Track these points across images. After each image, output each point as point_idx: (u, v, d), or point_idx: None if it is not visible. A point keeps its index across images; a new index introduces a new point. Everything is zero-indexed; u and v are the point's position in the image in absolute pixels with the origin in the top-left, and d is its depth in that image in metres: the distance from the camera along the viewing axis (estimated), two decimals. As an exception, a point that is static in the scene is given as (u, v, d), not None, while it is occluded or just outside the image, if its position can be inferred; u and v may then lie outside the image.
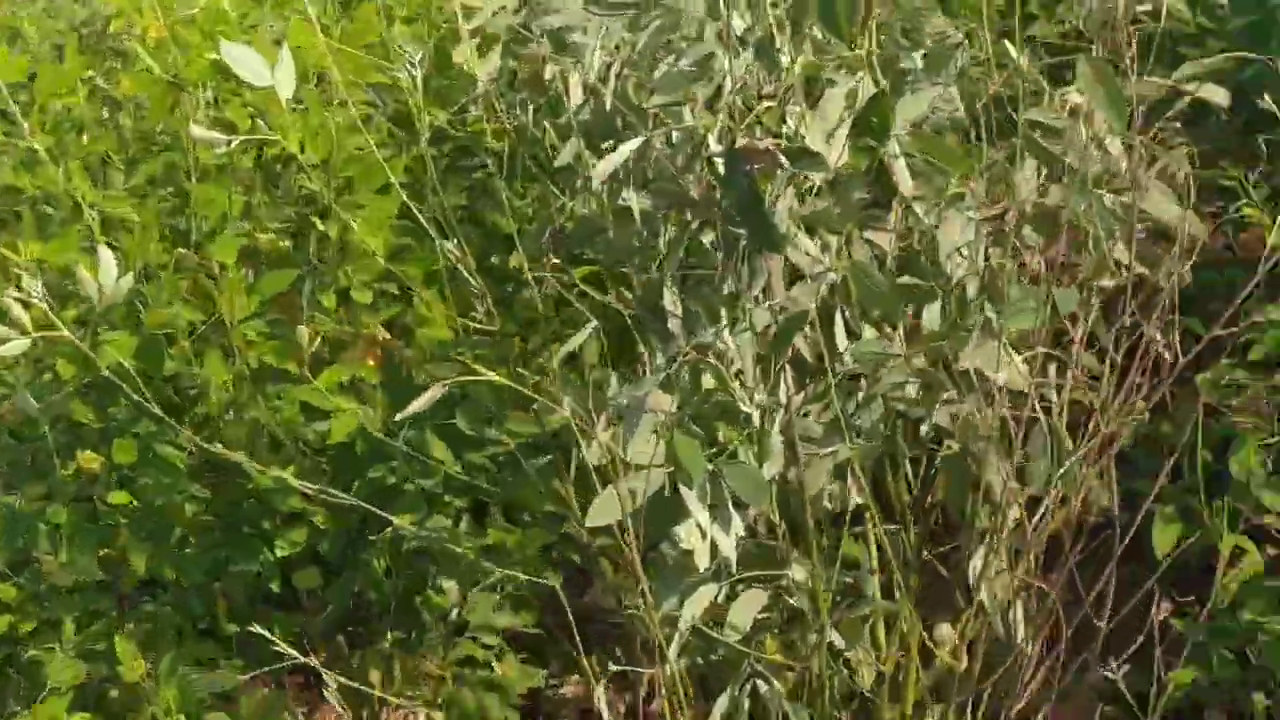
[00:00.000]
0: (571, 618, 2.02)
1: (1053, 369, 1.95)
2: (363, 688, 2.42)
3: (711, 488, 1.77)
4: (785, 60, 1.75)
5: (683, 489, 1.72)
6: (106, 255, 1.81)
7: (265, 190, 2.52)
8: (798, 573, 1.90)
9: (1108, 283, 2.01)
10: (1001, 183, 1.97)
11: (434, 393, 1.57)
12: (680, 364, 1.79)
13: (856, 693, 2.05)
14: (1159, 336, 2.00)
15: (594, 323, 1.66)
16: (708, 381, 1.88)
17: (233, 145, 1.78)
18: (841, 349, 1.82)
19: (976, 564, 1.97)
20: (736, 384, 1.80)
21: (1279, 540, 2.27)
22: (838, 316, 1.81)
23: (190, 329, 2.43)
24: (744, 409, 1.77)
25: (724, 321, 1.82)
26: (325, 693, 2.69)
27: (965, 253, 1.83)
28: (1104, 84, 1.78)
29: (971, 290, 1.88)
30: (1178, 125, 1.96)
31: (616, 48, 2.01)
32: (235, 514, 2.50)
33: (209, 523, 2.50)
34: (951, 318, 1.81)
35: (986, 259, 1.90)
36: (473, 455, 2.31)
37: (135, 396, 2.05)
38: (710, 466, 1.76)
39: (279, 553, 2.39)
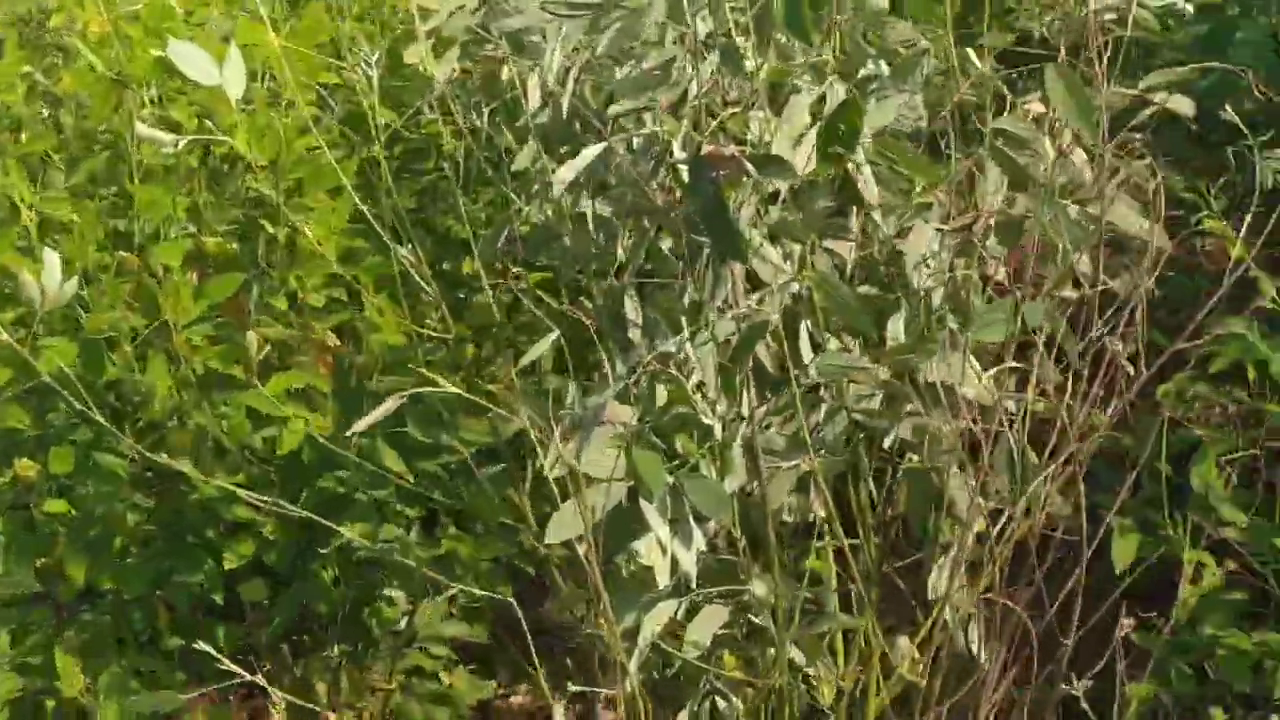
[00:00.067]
0: (527, 631, 1.98)
1: (1011, 381, 1.93)
2: (308, 705, 2.36)
3: (672, 502, 1.73)
4: (751, 65, 1.71)
5: (643, 503, 1.68)
6: (51, 258, 1.74)
7: (211, 191, 2.46)
8: (759, 588, 1.86)
9: (1070, 294, 2.00)
10: (964, 193, 1.95)
11: (390, 405, 1.52)
12: (641, 374, 1.75)
13: (817, 709, 2.02)
14: (1121, 349, 1.98)
15: (555, 333, 1.61)
16: (666, 393, 1.85)
17: (180, 146, 1.72)
18: (806, 360, 1.78)
19: (939, 578, 1.94)
20: (698, 396, 1.76)
21: (1239, 554, 2.25)
22: (803, 327, 1.78)
23: (133, 334, 2.36)
24: (706, 421, 1.72)
25: (686, 331, 1.78)
26: (271, 706, 2.64)
27: (931, 263, 1.80)
28: (1074, 94, 1.76)
29: (936, 301, 1.85)
30: (1142, 136, 1.95)
31: (575, 50, 1.97)
32: (179, 523, 2.43)
33: (151, 532, 2.44)
34: (919, 329, 1.77)
35: (951, 270, 1.88)
36: (425, 464, 2.25)
37: (76, 403, 1.99)
38: (670, 480, 1.72)
39: (225, 565, 2.32)
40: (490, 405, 1.65)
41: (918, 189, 2.00)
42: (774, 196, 1.83)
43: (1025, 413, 1.92)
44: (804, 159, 1.69)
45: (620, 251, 2.05)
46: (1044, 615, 1.98)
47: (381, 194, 1.99)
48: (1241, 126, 2.17)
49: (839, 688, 2.04)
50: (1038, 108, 2.07)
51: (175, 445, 2.36)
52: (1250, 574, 2.27)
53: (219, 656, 1.96)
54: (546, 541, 1.67)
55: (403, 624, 2.57)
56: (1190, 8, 2.05)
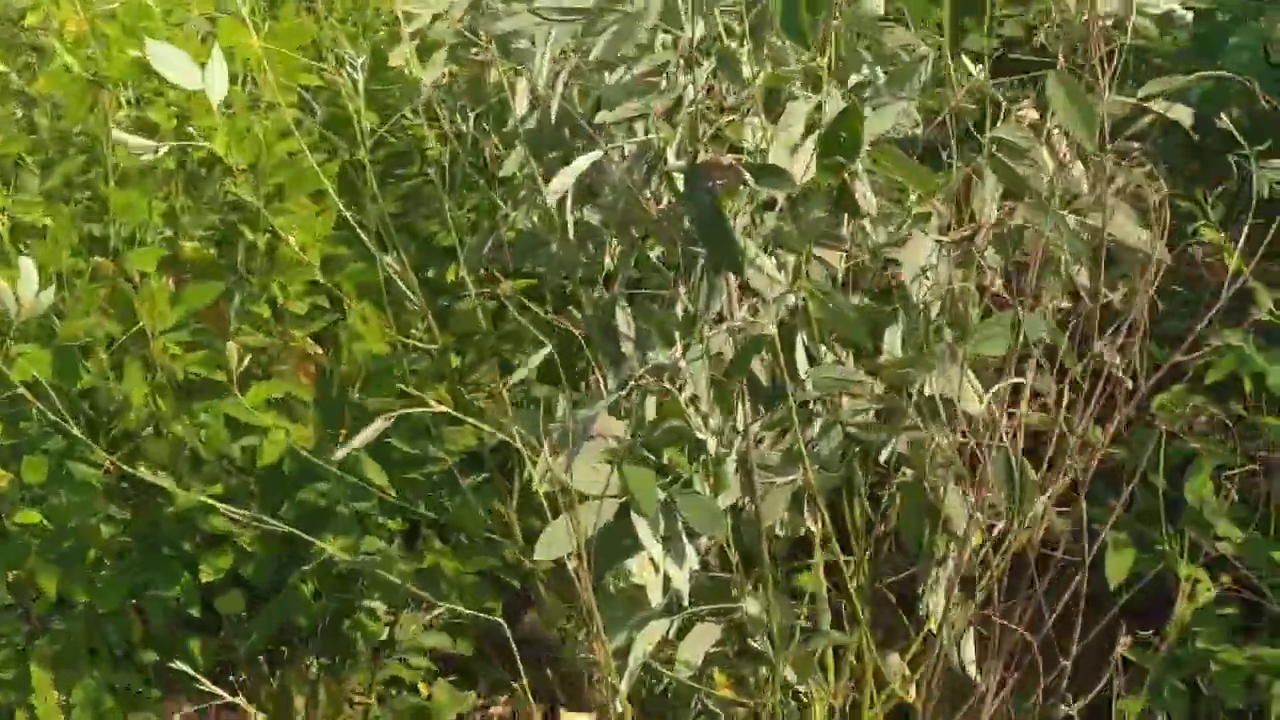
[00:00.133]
0: (514, 648, 1.93)
1: (1007, 394, 1.89)
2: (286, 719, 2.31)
3: (664, 518, 1.69)
4: (748, 72, 1.67)
5: (636, 520, 1.64)
6: (27, 267, 1.69)
7: (189, 195, 2.40)
8: (752, 606, 1.82)
9: (1064, 304, 1.96)
10: (959, 202, 1.91)
11: (378, 426, 1.47)
12: (632, 388, 1.71)
13: (809, 728, 1.98)
14: (1118, 362, 1.95)
15: (547, 348, 1.57)
16: (655, 407, 1.81)
17: (161, 153, 1.67)
18: (803, 373, 1.74)
19: (936, 595, 1.90)
20: (691, 409, 1.72)
21: (1233, 568, 2.22)
22: (799, 340, 1.74)
23: (108, 341, 2.31)
24: (700, 436, 1.68)
25: (679, 344, 1.74)
26: (248, 721, 2.59)
27: (929, 275, 1.76)
28: (1076, 102, 1.72)
29: (933, 313, 1.81)
30: (1144, 146, 1.91)
31: (563, 53, 1.93)
32: (154, 535, 2.38)
33: (126, 544, 2.38)
34: (919, 341, 1.74)
35: (949, 281, 1.84)
36: (409, 474, 2.20)
37: (49, 412, 1.94)
38: (663, 496, 1.68)
39: (203, 578, 2.27)
40: (478, 423, 1.60)
41: (912, 198, 1.97)
42: (767, 205, 1.79)
43: (1021, 427, 1.89)
44: (802, 168, 1.65)
45: (608, 260, 2.02)
46: (1040, 631, 1.95)
47: (367, 200, 1.94)
48: (1237, 135, 2.15)
49: (831, 706, 2.00)
50: (1031, 115, 2.04)
51: (151, 455, 2.31)
52: (1245, 588, 2.24)
53: (197, 676, 1.92)
54: (536, 559, 1.62)
55: (384, 635, 2.52)
56: (1190, 15, 2.02)
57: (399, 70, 2.23)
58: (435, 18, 2.15)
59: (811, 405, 1.84)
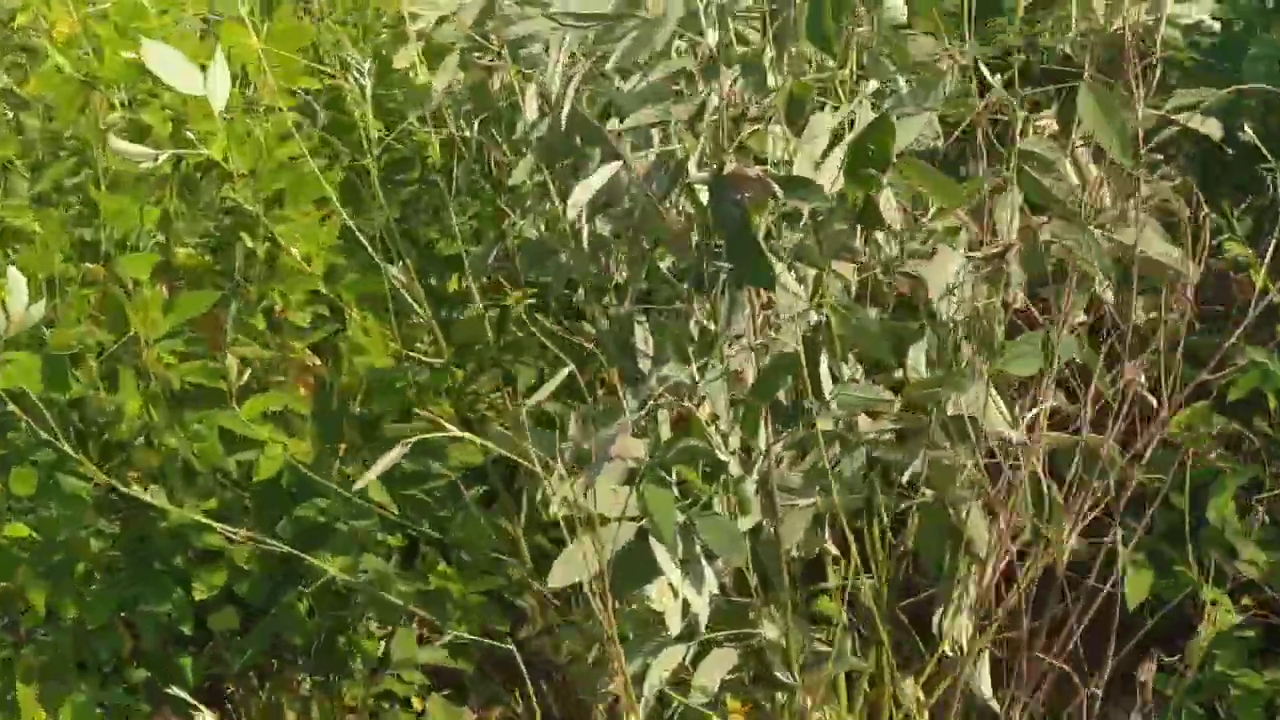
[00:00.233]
0: (524, 670, 1.87)
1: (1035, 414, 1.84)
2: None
3: (683, 541, 1.63)
4: (772, 81, 1.62)
5: (654, 544, 1.58)
6: (17, 278, 1.62)
7: (183, 200, 2.33)
8: (770, 630, 1.76)
9: (1081, 318, 1.92)
10: (982, 215, 1.86)
11: (396, 454, 1.41)
12: (650, 407, 1.65)
13: (824, 755, 1.92)
14: (1143, 381, 1.90)
15: (569, 367, 1.51)
16: (668, 426, 1.75)
17: (160, 160, 1.61)
18: (826, 392, 1.68)
19: (957, 619, 1.85)
20: (711, 429, 1.66)
21: (1255, 590, 2.18)
22: (823, 358, 1.68)
23: (99, 350, 2.23)
24: (721, 457, 1.62)
25: (699, 362, 1.68)
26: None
27: (956, 292, 1.71)
28: (1108, 114, 1.67)
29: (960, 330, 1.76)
30: (1175, 159, 1.87)
31: (572, 58, 1.87)
32: (146, 549, 2.31)
33: (116, 559, 2.31)
34: (948, 360, 1.68)
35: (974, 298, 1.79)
36: (411, 490, 2.14)
37: (35, 425, 1.88)
38: (681, 518, 1.62)
39: (196, 595, 2.20)
40: (490, 444, 1.53)
41: (932, 211, 1.91)
42: (786, 218, 1.73)
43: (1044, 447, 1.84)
44: (829, 180, 1.59)
45: (618, 271, 1.96)
46: (1060, 655, 1.90)
47: (373, 208, 1.87)
48: (1261, 147, 2.10)
49: (847, 732, 1.95)
50: (1051, 127, 1.98)
51: (143, 467, 2.24)
52: (1267, 611, 2.20)
53: (187, 698, 1.85)
54: (550, 584, 1.56)
55: (380, 653, 2.46)
56: (1217, 26, 1.97)
57: (403, 74, 2.16)
58: (441, 19, 2.08)
59: (835, 424, 1.79)
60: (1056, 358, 1.65)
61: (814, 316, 1.71)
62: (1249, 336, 1.97)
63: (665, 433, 1.72)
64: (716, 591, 1.65)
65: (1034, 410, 1.64)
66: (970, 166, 1.92)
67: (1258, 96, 2.35)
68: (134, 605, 2.31)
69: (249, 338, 2.22)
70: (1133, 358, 1.78)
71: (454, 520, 2.19)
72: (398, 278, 1.84)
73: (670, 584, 1.60)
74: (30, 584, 2.29)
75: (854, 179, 1.54)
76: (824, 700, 1.86)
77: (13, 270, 1.67)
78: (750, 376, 1.71)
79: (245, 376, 1.86)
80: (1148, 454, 1.78)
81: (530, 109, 1.92)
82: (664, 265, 1.99)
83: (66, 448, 1.88)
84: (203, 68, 1.74)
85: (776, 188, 1.47)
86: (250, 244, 2.15)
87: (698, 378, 1.68)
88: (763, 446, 1.67)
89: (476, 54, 2.07)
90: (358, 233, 1.87)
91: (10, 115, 2.42)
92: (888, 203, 1.74)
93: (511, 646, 1.71)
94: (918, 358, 1.76)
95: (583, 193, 1.53)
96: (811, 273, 1.80)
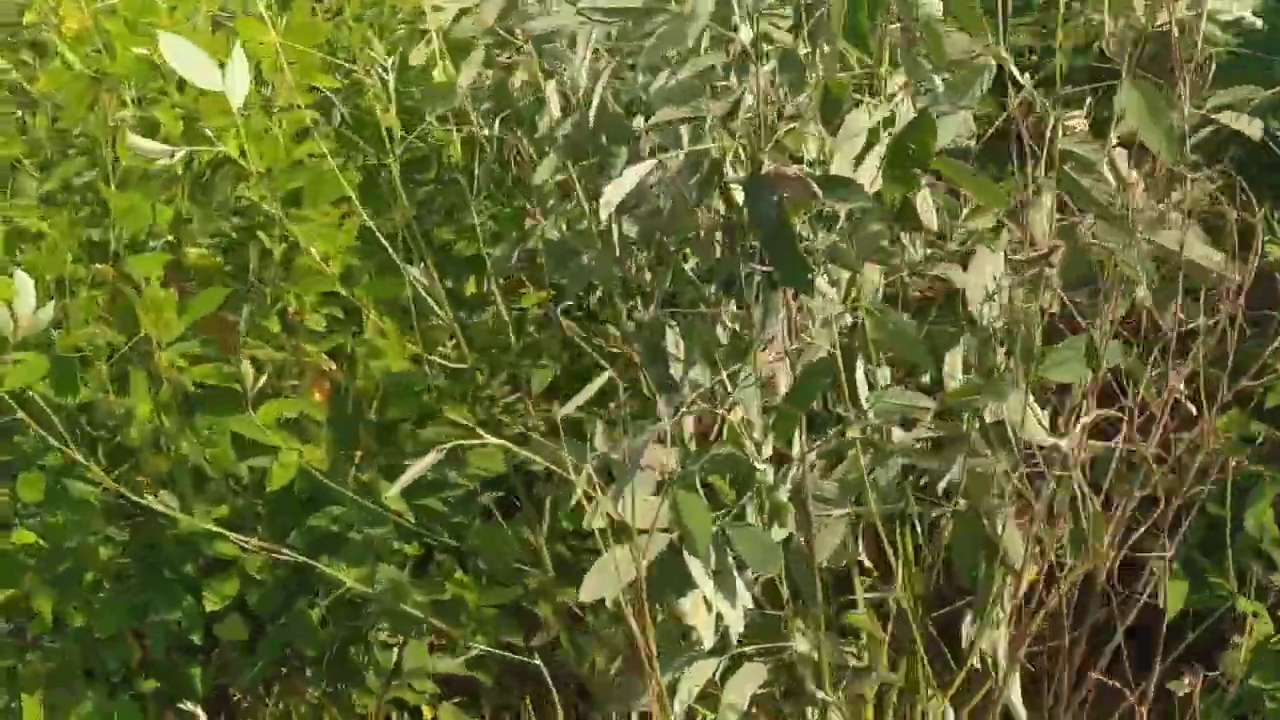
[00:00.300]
0: (549, 681, 1.82)
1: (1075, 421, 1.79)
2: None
3: (715, 553, 1.58)
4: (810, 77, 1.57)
5: (688, 558, 1.53)
6: (24, 281, 1.57)
7: (195, 200, 2.28)
8: (801, 644, 1.71)
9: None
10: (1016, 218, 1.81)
11: (430, 460, 1.36)
12: (682, 414, 1.59)
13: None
14: (1183, 388, 1.85)
15: (608, 372, 1.46)
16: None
17: (176, 158, 1.56)
18: (863, 398, 1.63)
19: (992, 633, 1.80)
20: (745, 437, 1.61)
21: (1291, 600, 2.13)
22: (859, 363, 1.63)
23: (109, 352, 2.18)
24: (756, 465, 1.57)
25: (730, 368, 1.63)
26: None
27: (997, 296, 1.66)
28: (1154, 112, 1.62)
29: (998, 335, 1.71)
30: (1221, 160, 1.82)
31: (596, 53, 1.82)
32: (155, 557, 2.26)
33: (125, 566, 2.26)
34: (989, 366, 1.63)
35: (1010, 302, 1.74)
36: (427, 499, 2.08)
37: (39, 428, 1.83)
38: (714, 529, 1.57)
39: (207, 605, 2.15)
40: (528, 452, 1.48)
41: (964, 213, 1.87)
42: (819, 219, 1.69)
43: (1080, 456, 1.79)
44: (867, 180, 1.54)
45: (645, 274, 1.91)
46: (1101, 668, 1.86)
47: (396, 207, 1.82)
48: (1294, 148, 2.05)
49: (877, 747, 1.90)
50: (1081, 126, 1.94)
51: (153, 473, 2.19)
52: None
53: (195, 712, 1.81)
54: (582, 598, 1.51)
55: (393, 664, 2.41)
56: (1260, 23, 1.92)
57: (420, 70, 2.11)
58: (461, 13, 2.03)
59: (868, 432, 1.74)
60: (1103, 365, 1.60)
61: (847, 320, 1.66)
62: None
63: (689, 441, 1.67)
64: (751, 605, 1.60)
65: (1085, 419, 1.59)
66: (1002, 167, 1.87)
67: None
68: (143, 614, 2.26)
69: (261, 340, 2.16)
70: (1175, 363, 1.73)
71: (471, 528, 2.13)
72: (419, 279, 1.78)
73: (704, 597, 1.55)
74: (37, 591, 2.24)
75: (894, 179, 1.49)
76: (856, 715, 1.81)
77: (20, 274, 1.62)
78: (783, 382, 1.66)
79: (262, 381, 1.81)
80: (1195, 463, 1.73)
81: (554, 106, 1.87)
82: (688, 267, 1.94)
83: (76, 454, 1.83)
84: (222, 64, 1.69)
85: (816, 188, 1.42)
86: (268, 244, 2.10)
87: (729, 384, 1.63)
88: (796, 454, 1.62)
89: (497, 51, 2.03)
90: (377, 233, 1.82)
91: (18, 114, 2.37)
92: (925, 203, 1.69)
93: (537, 662, 1.65)
94: (954, 363, 1.71)
95: (615, 192, 1.48)
96: (843, 275, 1.76)
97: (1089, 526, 1.69)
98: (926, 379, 1.80)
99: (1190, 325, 1.71)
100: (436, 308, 1.82)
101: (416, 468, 1.37)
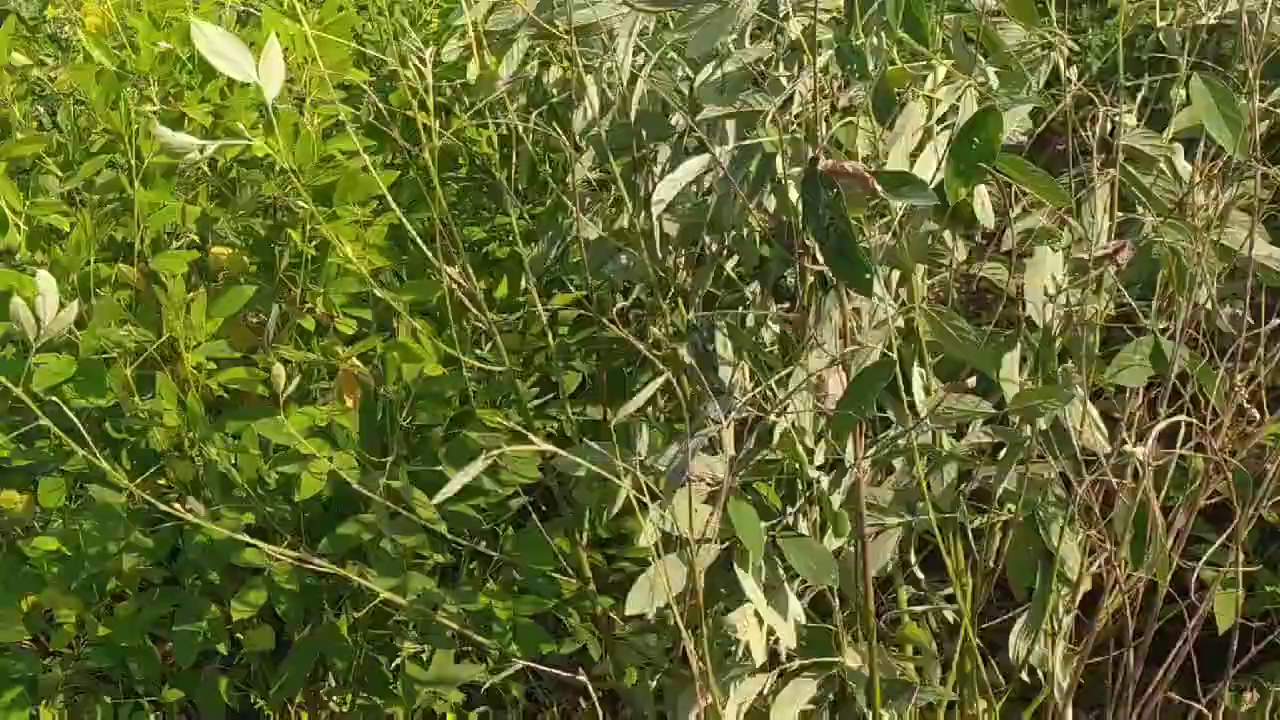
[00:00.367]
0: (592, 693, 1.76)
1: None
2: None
3: (765, 564, 1.52)
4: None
5: (739, 571, 1.47)
6: (47, 281, 1.52)
7: (221, 198, 2.22)
8: (851, 659, 1.65)
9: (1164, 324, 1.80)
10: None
11: (479, 466, 1.30)
12: (732, 419, 1.53)
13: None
14: (1244, 391, 1.79)
15: (665, 374, 1.40)
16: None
17: (207, 152, 1.50)
18: (919, 402, 1.57)
19: (1050, 648, 1.73)
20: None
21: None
22: (915, 368, 1.56)
23: (137, 353, 2.12)
24: (810, 472, 1.51)
25: (777, 372, 1.57)
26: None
27: (1058, 297, 1.59)
28: (1224, 105, 1.56)
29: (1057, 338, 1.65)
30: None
31: (636, 47, 1.77)
32: (180, 563, 2.20)
33: (149, 574, 2.20)
34: (1049, 370, 1.57)
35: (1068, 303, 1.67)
36: (460, 506, 2.02)
37: (60, 432, 1.77)
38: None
39: (235, 616, 2.09)
40: (580, 458, 1.42)
41: (1016, 210, 1.80)
42: (871, 217, 1.62)
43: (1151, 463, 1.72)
44: (929, 175, 1.48)
45: (686, 274, 1.85)
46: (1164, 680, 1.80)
47: (433, 205, 1.75)
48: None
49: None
50: (1129, 121, 1.87)
51: (179, 477, 2.13)
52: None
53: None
54: (627, 612, 1.45)
55: (424, 675, 2.35)
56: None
57: (451, 65, 2.05)
58: (494, 6, 1.97)
59: (918, 438, 1.68)
60: (1172, 370, 1.53)
61: (899, 322, 1.60)
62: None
63: (729, 447, 1.61)
64: (802, 620, 1.54)
65: (1157, 427, 1.52)
66: (1050, 162, 1.81)
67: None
68: (168, 623, 2.20)
69: (289, 343, 2.10)
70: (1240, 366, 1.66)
71: (506, 535, 2.07)
72: (456, 280, 1.72)
73: (755, 611, 1.49)
74: (59, 600, 2.18)
75: (958, 175, 1.42)
76: (907, 731, 1.75)
77: (42, 274, 1.56)
78: (834, 386, 1.60)
79: (294, 385, 1.75)
80: (1267, 472, 1.66)
81: (594, 101, 1.81)
82: (728, 267, 1.88)
83: (102, 461, 1.77)
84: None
85: (876, 184, 1.36)
86: (299, 244, 2.03)
87: (776, 389, 1.57)
88: (850, 461, 1.56)
89: (535, 43, 1.97)
90: (412, 232, 1.76)
91: (40, 111, 2.31)
92: (981, 202, 1.63)
93: (581, 677, 1.59)
94: (1011, 367, 1.64)
95: (668, 189, 1.42)
96: (894, 276, 1.70)
97: (1151, 537, 1.62)
98: (971, 383, 1.74)
99: (1257, 329, 1.64)
100: (474, 309, 1.76)
101: (465, 473, 1.31)
